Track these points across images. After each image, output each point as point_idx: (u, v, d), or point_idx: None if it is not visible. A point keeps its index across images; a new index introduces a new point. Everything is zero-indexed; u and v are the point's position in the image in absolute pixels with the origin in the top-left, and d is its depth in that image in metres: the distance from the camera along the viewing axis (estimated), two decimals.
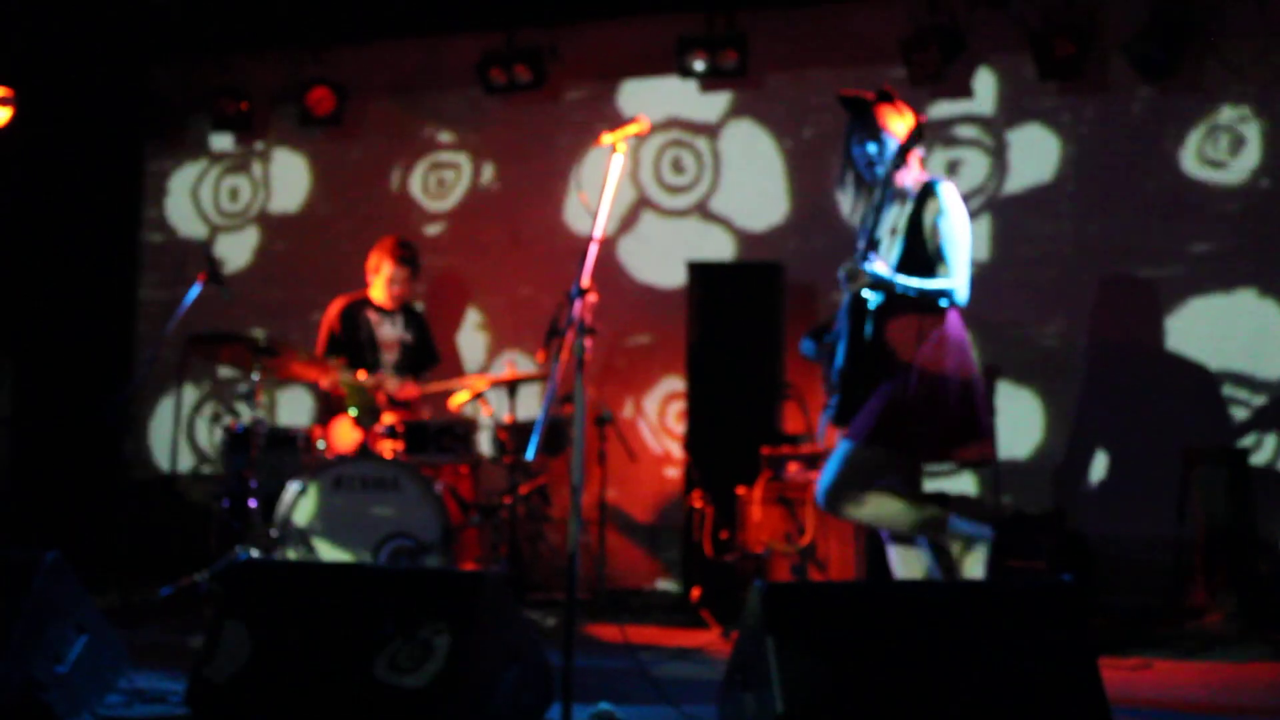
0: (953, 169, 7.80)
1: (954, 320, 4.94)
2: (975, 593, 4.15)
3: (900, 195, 5.00)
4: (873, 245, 4.86)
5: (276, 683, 3.93)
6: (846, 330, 4.91)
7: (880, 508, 4.91)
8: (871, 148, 5.02)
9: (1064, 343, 7.62)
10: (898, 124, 5.03)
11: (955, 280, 4.88)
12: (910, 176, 5.03)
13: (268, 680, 3.94)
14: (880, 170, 5.01)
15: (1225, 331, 7.36)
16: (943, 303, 4.88)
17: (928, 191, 4.86)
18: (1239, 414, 7.31)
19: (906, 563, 5.03)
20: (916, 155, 5.06)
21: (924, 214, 4.90)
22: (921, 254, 4.91)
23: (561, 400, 6.65)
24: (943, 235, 4.90)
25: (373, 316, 7.45)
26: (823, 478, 4.93)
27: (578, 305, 4.35)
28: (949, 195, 4.94)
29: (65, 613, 4.31)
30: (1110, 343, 7.57)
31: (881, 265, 4.79)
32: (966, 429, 4.89)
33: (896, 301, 4.86)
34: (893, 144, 5.00)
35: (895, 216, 4.92)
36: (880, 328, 4.87)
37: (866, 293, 4.86)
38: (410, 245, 7.60)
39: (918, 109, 7.81)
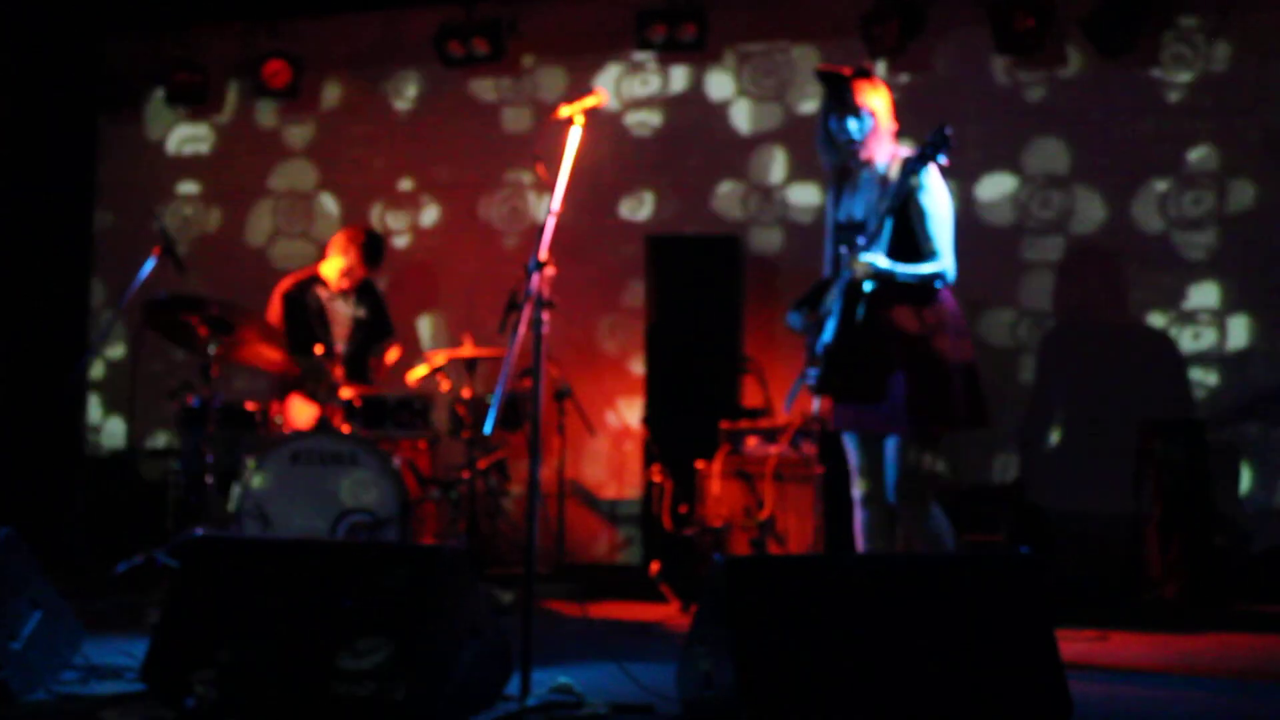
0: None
1: (948, 297, 5.00)
2: (934, 565, 4.15)
3: (879, 173, 4.99)
4: (860, 228, 4.92)
5: (232, 659, 3.90)
6: (838, 310, 4.91)
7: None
8: (851, 123, 5.00)
9: (1023, 316, 7.64)
10: (875, 100, 5.02)
11: (944, 261, 4.93)
12: (886, 153, 5.02)
13: (223, 656, 3.91)
14: (857, 147, 5.01)
15: (1183, 305, 7.40)
16: (936, 284, 4.94)
17: (910, 170, 4.83)
18: (1196, 388, 7.35)
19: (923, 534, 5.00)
20: (891, 131, 5.06)
21: (908, 194, 4.88)
22: (908, 234, 4.92)
23: (520, 375, 6.63)
24: (928, 215, 4.92)
25: (323, 293, 7.36)
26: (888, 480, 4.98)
27: (535, 278, 4.33)
28: (931, 174, 4.93)
29: (19, 589, 4.27)
30: (1069, 316, 7.60)
31: (882, 258, 4.82)
32: (976, 400, 5.00)
33: (892, 287, 4.88)
34: (869, 120, 4.99)
35: (878, 196, 4.92)
36: (875, 313, 4.88)
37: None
38: (376, 240, 7.49)
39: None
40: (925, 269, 4.90)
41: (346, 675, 3.74)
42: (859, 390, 4.96)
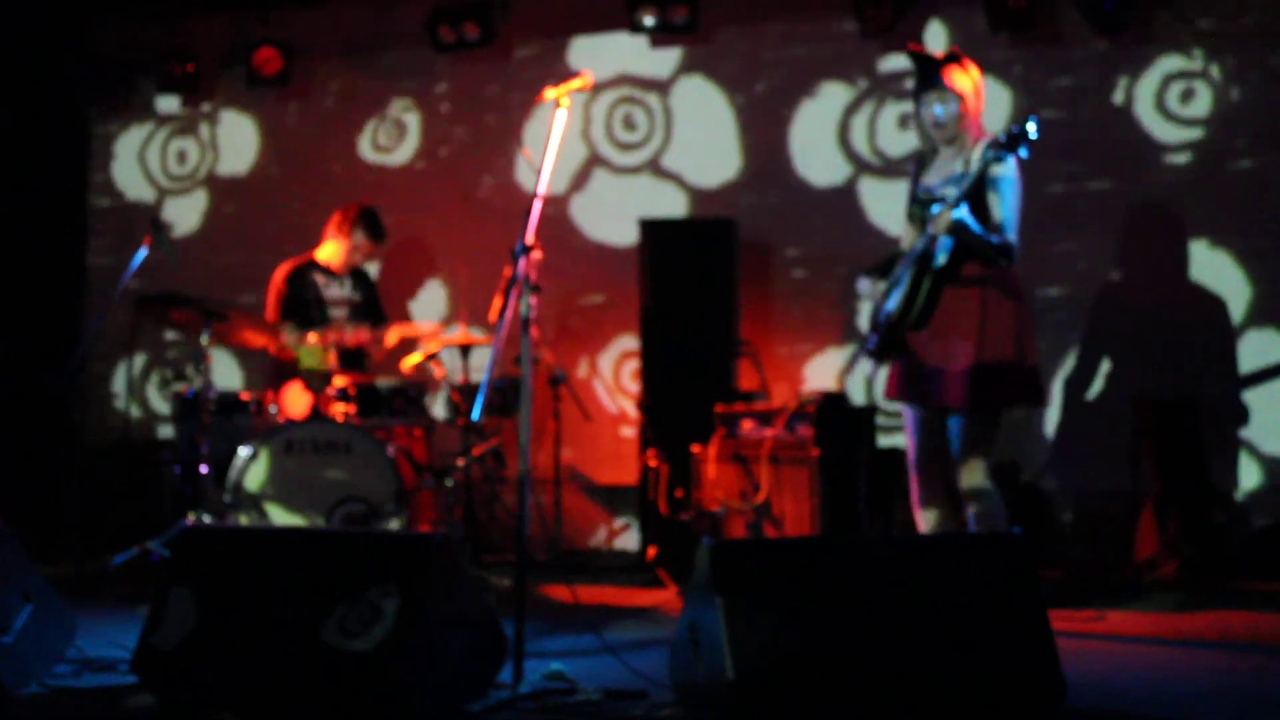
0: (905, 122, 7.74)
1: (1013, 277, 5.26)
2: (926, 546, 4.15)
3: (963, 156, 5.25)
4: (938, 200, 5.18)
5: (224, 649, 3.89)
6: (906, 280, 5.18)
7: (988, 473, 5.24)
8: (939, 107, 5.29)
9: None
10: (964, 83, 5.32)
11: (1013, 240, 5.18)
12: (972, 135, 5.30)
13: (215, 647, 3.91)
14: (947, 130, 5.30)
15: (1178, 282, 7.37)
16: (1001, 262, 5.17)
17: (991, 157, 5.07)
18: (1192, 364, 7.31)
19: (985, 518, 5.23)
20: (978, 113, 5.35)
21: (987, 176, 5.13)
22: (982, 215, 5.16)
23: (513, 360, 6.61)
24: (1003, 199, 5.18)
25: (320, 279, 7.37)
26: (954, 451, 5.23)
27: (522, 263, 4.32)
28: (1010, 160, 5.16)
29: (10, 582, 4.26)
30: (1062, 292, 7.57)
31: (967, 214, 5.06)
32: (1029, 381, 5.30)
33: (961, 262, 5.14)
34: (957, 104, 5.28)
35: (959, 175, 5.16)
36: (940, 287, 5.16)
37: (940, 240, 5.12)
38: (374, 214, 7.46)
39: (869, 62, 7.87)
40: (1000, 239, 5.15)
41: (337, 664, 3.73)
42: (919, 359, 5.22)
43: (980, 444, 5.18)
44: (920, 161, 5.47)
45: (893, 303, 5.20)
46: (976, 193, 5.14)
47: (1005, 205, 5.17)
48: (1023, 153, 4.98)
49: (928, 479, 5.33)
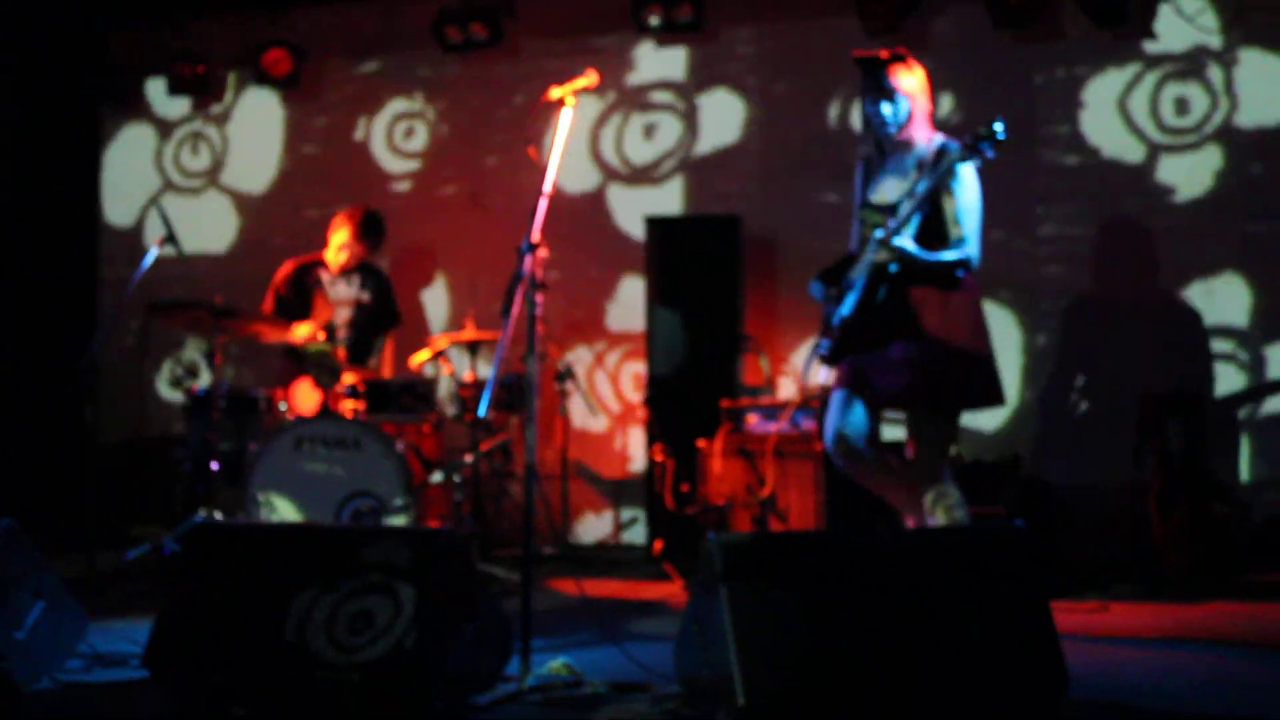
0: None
1: (970, 284, 5.14)
2: (929, 540, 4.18)
3: (914, 156, 5.13)
4: (892, 210, 5.04)
5: (235, 645, 3.93)
6: (861, 286, 5.07)
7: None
8: (885, 107, 5.17)
9: (1021, 291, 7.64)
10: (911, 83, 5.19)
11: (970, 248, 5.08)
12: (922, 135, 5.17)
13: (226, 642, 3.94)
14: (893, 130, 5.18)
15: (1182, 278, 7.40)
16: (959, 273, 5.08)
17: (943, 157, 4.99)
18: (1195, 359, 7.34)
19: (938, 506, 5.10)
20: (927, 113, 5.22)
21: (940, 180, 5.00)
22: (938, 219, 5.08)
23: (522, 357, 6.64)
24: (959, 202, 5.07)
25: (324, 276, 7.38)
26: (848, 431, 5.09)
27: (528, 260, 4.35)
28: (965, 163, 5.05)
29: (21, 580, 4.29)
30: (1067, 289, 7.59)
31: (910, 243, 4.96)
32: (985, 382, 5.15)
33: (916, 270, 5.02)
34: (905, 103, 5.15)
35: (911, 179, 5.06)
36: (896, 292, 5.04)
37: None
38: (374, 218, 7.47)
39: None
40: (950, 256, 5.05)
41: (345, 659, 3.76)
42: (874, 356, 5.10)
43: (933, 441, 5.10)
44: (869, 164, 5.35)
45: (847, 307, 5.09)
46: (931, 202, 5.03)
47: (961, 211, 5.05)
48: (989, 153, 4.88)
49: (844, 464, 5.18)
